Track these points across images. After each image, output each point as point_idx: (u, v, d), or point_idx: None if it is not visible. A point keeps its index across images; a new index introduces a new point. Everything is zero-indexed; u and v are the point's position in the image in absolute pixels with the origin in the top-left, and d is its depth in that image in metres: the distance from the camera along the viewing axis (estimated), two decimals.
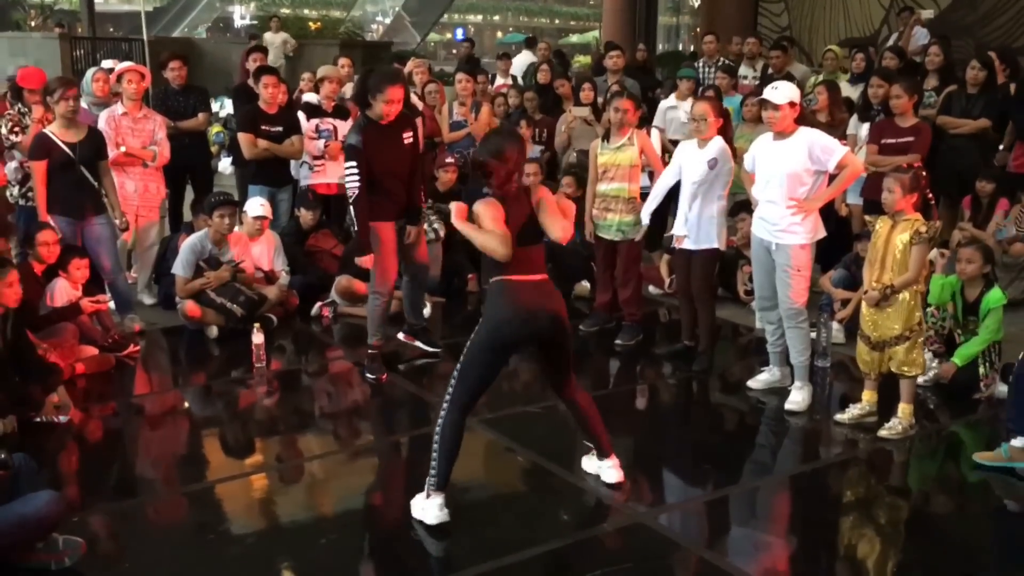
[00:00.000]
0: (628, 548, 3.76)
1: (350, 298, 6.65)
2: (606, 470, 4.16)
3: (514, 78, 11.17)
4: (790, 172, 4.91)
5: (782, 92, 4.89)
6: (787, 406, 5.06)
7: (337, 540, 3.77)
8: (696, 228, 5.51)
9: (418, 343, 5.80)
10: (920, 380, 4.95)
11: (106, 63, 7.74)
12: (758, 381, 5.36)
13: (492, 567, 3.53)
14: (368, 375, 5.49)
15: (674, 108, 8.17)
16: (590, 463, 4.27)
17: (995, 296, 5.12)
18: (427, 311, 6.64)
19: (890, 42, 10.29)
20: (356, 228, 5.31)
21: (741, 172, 5.53)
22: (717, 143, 5.45)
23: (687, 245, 5.60)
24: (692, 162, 5.48)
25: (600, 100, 8.22)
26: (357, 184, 5.15)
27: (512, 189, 3.77)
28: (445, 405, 3.76)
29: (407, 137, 5.36)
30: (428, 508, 3.77)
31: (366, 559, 3.72)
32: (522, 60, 12.48)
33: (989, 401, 5.11)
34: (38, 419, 4.72)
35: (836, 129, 6.93)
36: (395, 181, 5.34)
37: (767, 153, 5.03)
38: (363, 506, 4.22)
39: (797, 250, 4.95)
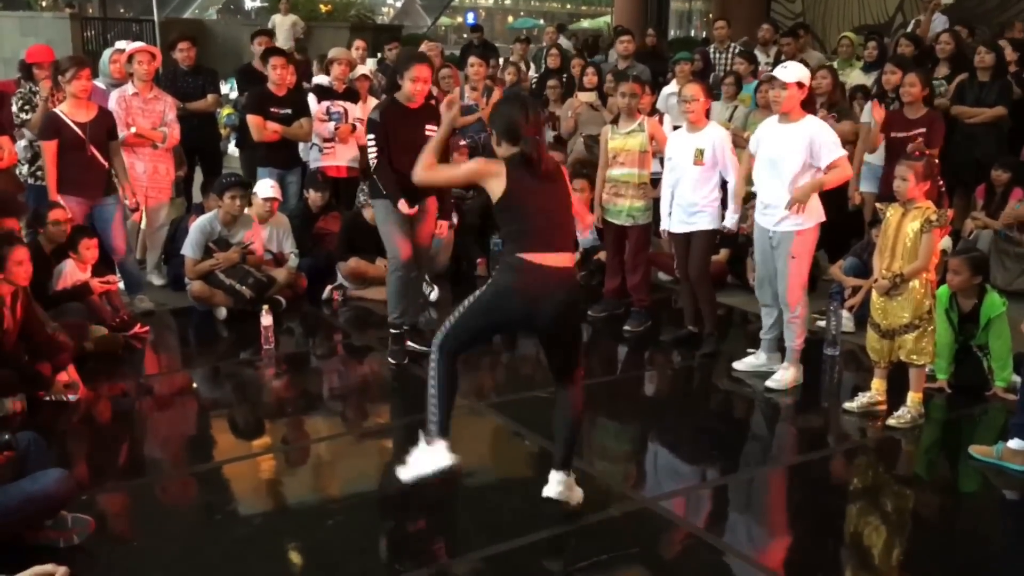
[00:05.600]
0: (635, 533, 3.76)
1: (359, 280, 6.65)
2: (552, 483, 3.69)
3: (527, 63, 11.11)
4: (786, 158, 4.92)
5: (791, 71, 4.91)
6: (767, 382, 5.13)
7: (344, 521, 3.78)
8: (700, 210, 5.49)
9: (411, 344, 5.71)
10: (929, 369, 4.93)
11: (120, 43, 7.73)
12: (744, 363, 5.40)
13: (499, 550, 3.53)
14: (390, 359, 5.46)
15: (675, 94, 8.12)
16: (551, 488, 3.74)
17: (993, 303, 4.99)
18: (435, 295, 6.65)
19: (909, 28, 10.21)
20: (385, 192, 5.26)
21: (744, 155, 5.52)
22: (709, 133, 5.43)
23: (684, 228, 5.59)
24: (683, 148, 5.50)
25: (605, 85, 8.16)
26: (376, 155, 5.24)
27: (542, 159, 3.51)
28: (435, 349, 3.61)
29: (430, 129, 5.28)
30: (435, 455, 3.59)
31: (373, 541, 3.72)
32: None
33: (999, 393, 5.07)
34: (47, 398, 4.74)
35: (832, 108, 6.94)
36: (408, 165, 5.24)
37: (771, 135, 5.03)
38: (370, 488, 4.22)
39: (795, 235, 4.97)
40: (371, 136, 5.27)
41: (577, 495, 3.73)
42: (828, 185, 4.96)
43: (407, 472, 3.66)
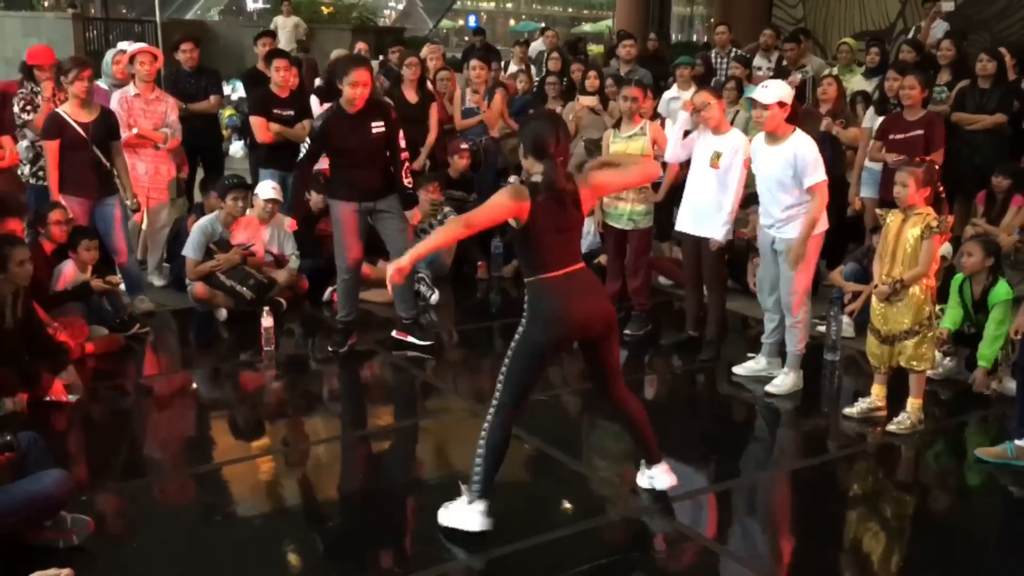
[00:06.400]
0: (634, 538, 3.77)
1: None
2: (658, 476, 3.91)
3: (528, 65, 11.14)
4: (776, 177, 4.93)
5: (771, 92, 4.86)
6: (767, 387, 5.14)
7: (343, 523, 3.79)
8: (709, 216, 5.49)
9: (410, 339, 5.76)
10: (929, 374, 4.93)
11: (123, 44, 7.74)
12: (744, 368, 5.41)
13: (497, 554, 3.54)
14: (328, 347, 5.68)
15: (676, 99, 8.13)
16: (643, 477, 3.98)
17: (1002, 290, 5.06)
18: (435, 297, 6.65)
19: (910, 35, 10.22)
20: (292, 193, 5.63)
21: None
22: (731, 139, 5.40)
23: (693, 231, 5.58)
24: (704, 149, 5.47)
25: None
26: (303, 154, 5.40)
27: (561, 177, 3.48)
28: (493, 412, 3.59)
29: (376, 127, 5.37)
30: (470, 515, 3.58)
31: (371, 543, 3.72)
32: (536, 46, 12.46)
33: (999, 397, 5.08)
34: (48, 398, 4.74)
35: (836, 117, 6.98)
36: (358, 167, 5.42)
37: (762, 154, 5.04)
38: (369, 490, 4.22)
39: (796, 243, 4.95)
40: (307, 140, 5.42)
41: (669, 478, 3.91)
42: (813, 219, 4.89)
43: (444, 517, 3.65)
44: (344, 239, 5.51)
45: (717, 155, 5.38)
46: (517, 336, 3.54)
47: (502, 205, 3.47)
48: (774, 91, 4.86)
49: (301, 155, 5.42)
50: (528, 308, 3.53)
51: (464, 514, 3.60)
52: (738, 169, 5.37)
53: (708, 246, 5.55)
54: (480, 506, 3.58)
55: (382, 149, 5.45)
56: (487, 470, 3.57)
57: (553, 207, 3.47)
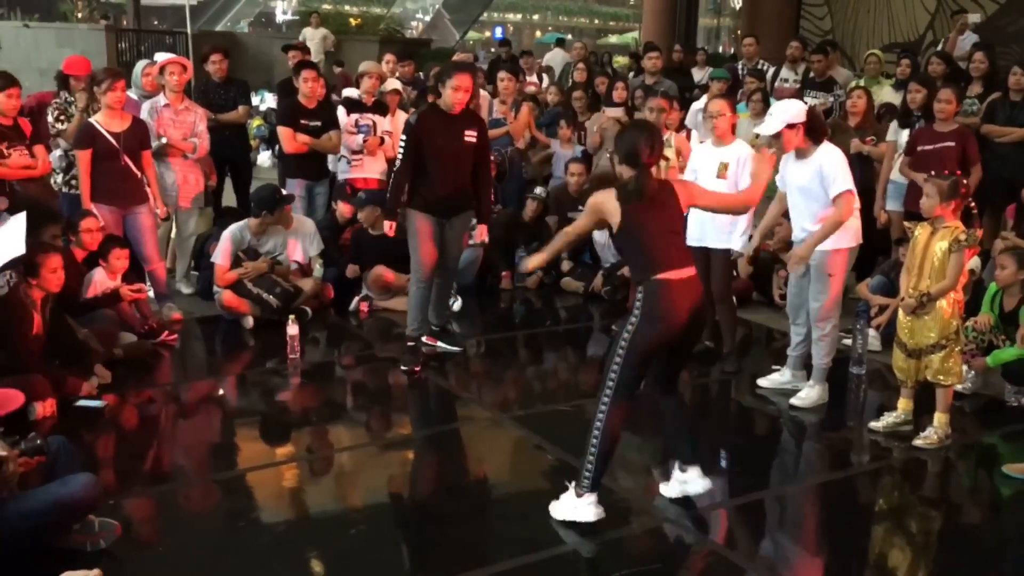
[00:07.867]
0: (656, 549, 3.75)
1: (382, 288, 6.69)
2: (693, 481, 3.95)
3: (542, 77, 11.18)
4: (805, 188, 4.93)
5: (773, 121, 4.87)
6: (792, 400, 5.11)
7: (366, 531, 3.80)
8: (715, 227, 5.47)
9: (440, 344, 5.81)
10: (958, 388, 4.88)
11: (158, 55, 7.84)
12: (769, 380, 5.38)
13: (519, 563, 3.53)
14: (402, 367, 5.54)
15: (703, 110, 8.10)
16: (670, 488, 4.02)
17: None
18: (457, 305, 6.66)
19: (939, 46, 10.14)
20: (388, 199, 5.47)
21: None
22: (735, 149, 5.39)
23: (702, 243, 5.55)
24: (708, 161, 5.46)
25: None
26: (401, 158, 5.35)
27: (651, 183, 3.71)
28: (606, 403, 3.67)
29: (469, 135, 5.43)
30: (581, 507, 3.72)
31: (394, 551, 3.73)
32: (552, 56, 12.48)
33: None
34: (77, 403, 4.80)
35: (866, 131, 6.93)
36: (445, 172, 5.40)
37: (792, 169, 5.04)
38: (392, 499, 4.25)
39: (831, 254, 4.93)
40: (403, 137, 5.38)
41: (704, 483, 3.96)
42: (827, 232, 4.85)
43: (557, 511, 3.79)
44: (422, 248, 5.49)
45: (724, 166, 5.39)
46: (627, 331, 3.63)
47: (592, 207, 3.74)
48: (776, 119, 4.87)
49: (398, 159, 5.37)
50: (645, 305, 3.62)
51: (577, 507, 3.73)
52: (749, 178, 5.35)
53: (716, 258, 5.53)
54: (591, 498, 3.72)
55: (470, 160, 5.47)
56: (600, 465, 3.69)
57: (645, 211, 3.65)
